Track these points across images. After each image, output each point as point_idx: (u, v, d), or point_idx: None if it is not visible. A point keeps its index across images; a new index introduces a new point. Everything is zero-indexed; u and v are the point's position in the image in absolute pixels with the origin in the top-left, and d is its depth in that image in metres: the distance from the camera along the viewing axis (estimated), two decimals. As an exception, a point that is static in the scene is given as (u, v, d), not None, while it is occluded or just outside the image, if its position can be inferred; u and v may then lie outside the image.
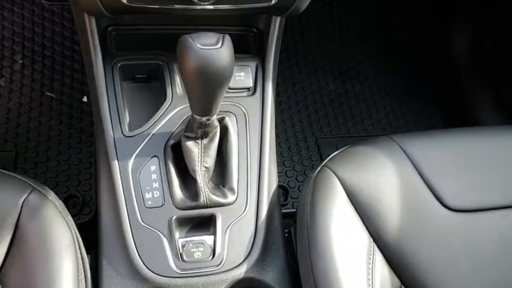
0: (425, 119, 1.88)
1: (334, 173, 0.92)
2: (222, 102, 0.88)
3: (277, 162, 1.22)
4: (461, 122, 1.82)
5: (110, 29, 1.09)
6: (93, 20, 1.02)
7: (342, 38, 1.99)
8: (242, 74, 1.11)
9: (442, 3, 1.91)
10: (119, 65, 1.06)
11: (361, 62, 1.95)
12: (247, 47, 1.17)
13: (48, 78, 1.68)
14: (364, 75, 1.93)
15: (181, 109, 1.04)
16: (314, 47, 1.96)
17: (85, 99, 1.64)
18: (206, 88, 0.82)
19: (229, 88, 1.06)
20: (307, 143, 1.72)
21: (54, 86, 1.67)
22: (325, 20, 2.00)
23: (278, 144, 1.67)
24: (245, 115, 1.07)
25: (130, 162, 0.97)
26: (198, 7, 0.90)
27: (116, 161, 0.97)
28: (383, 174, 0.94)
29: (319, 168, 0.95)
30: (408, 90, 1.92)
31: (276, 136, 1.14)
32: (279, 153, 1.65)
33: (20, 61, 1.70)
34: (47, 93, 1.65)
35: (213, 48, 0.78)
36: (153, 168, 0.97)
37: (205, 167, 0.96)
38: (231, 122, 1.03)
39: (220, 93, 0.84)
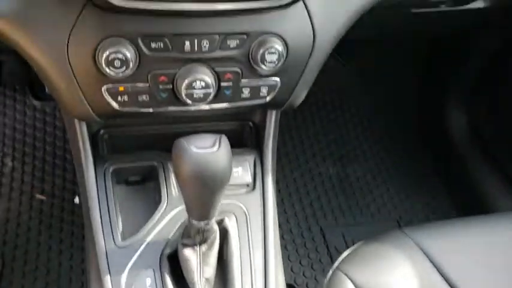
0: (431, 199, 1.82)
1: (349, 277, 0.84)
2: (220, 202, 0.82)
3: (282, 258, 1.14)
4: (469, 204, 1.75)
5: (101, 132, 1.05)
6: (84, 125, 0.98)
7: (339, 120, 1.98)
8: (240, 169, 1.06)
9: (437, 85, 1.92)
10: (111, 169, 1.01)
11: (360, 144, 1.93)
12: (244, 141, 1.13)
13: (39, 179, 1.63)
14: (364, 158, 1.89)
15: (177, 212, 0.97)
16: (310, 132, 1.93)
17: (77, 200, 1.58)
18: (203, 192, 0.77)
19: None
20: (312, 234, 1.63)
21: (45, 188, 1.61)
22: (320, 104, 2.00)
23: (281, 236, 1.59)
24: (246, 214, 1.00)
25: (124, 276, 0.89)
26: (193, 108, 0.87)
27: (108, 276, 0.89)
28: (400, 274, 0.86)
29: (331, 272, 0.87)
30: (410, 171, 1.88)
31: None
32: (283, 247, 1.56)
33: (10, 163, 1.66)
34: (38, 196, 1.59)
35: (210, 151, 0.74)
36: (148, 282, 0.88)
37: (205, 278, 0.88)
38: (230, 224, 0.97)
39: (218, 197, 0.79)
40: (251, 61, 0.84)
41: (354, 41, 1.08)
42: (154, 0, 0.72)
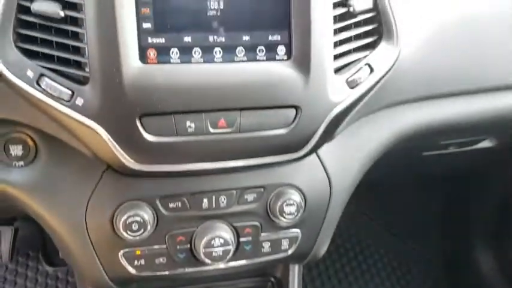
0: None
1: None
2: None
3: None
4: None
5: None
6: (97, 291, 0.93)
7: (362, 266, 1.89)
8: None
9: (460, 219, 1.87)
10: None
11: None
12: (266, 298, 1.06)
13: None
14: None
15: None
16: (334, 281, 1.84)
17: None
18: None
19: None
20: None
21: None
22: (342, 251, 1.93)
23: None
24: None
25: None
26: (211, 267, 0.83)
27: None
28: None
29: None
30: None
31: None
32: None
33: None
34: None
35: None
36: None
37: None
38: None
39: None
40: (270, 214, 0.83)
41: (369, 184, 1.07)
42: (172, 163, 0.73)
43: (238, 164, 0.75)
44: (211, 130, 0.71)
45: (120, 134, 0.68)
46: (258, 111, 0.72)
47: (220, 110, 0.71)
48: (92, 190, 0.76)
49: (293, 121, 0.74)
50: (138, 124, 0.68)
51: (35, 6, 0.65)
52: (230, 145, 0.73)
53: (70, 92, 0.66)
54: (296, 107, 0.73)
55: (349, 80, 0.77)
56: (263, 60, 0.72)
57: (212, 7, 0.70)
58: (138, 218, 0.75)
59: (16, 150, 0.75)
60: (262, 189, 0.82)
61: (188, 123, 0.70)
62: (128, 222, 0.75)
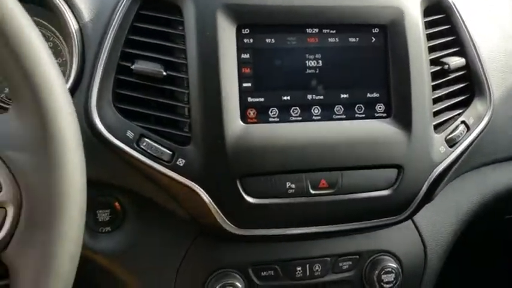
0: None
1: None
2: None
3: None
4: None
5: None
6: None
7: None
8: None
9: None
10: None
11: None
12: None
13: None
14: None
15: None
16: None
17: None
18: None
19: None
20: None
21: None
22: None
23: None
24: None
25: None
26: None
27: None
28: None
29: None
30: None
31: None
32: None
33: None
34: None
35: None
36: None
37: None
38: None
39: None
40: (365, 283, 0.77)
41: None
42: (270, 227, 0.69)
43: (337, 229, 0.71)
44: (312, 191, 0.67)
45: (220, 196, 0.65)
46: (360, 171, 0.69)
47: (321, 170, 0.68)
48: (182, 257, 0.72)
49: (395, 181, 0.70)
50: (239, 185, 0.65)
51: (137, 66, 0.64)
52: (330, 208, 0.69)
53: (170, 153, 0.64)
54: (398, 167, 0.70)
55: (448, 138, 0.74)
56: (362, 118, 0.70)
57: (311, 65, 0.69)
58: None
59: (103, 215, 0.72)
60: (357, 256, 0.76)
61: (288, 184, 0.67)
62: None
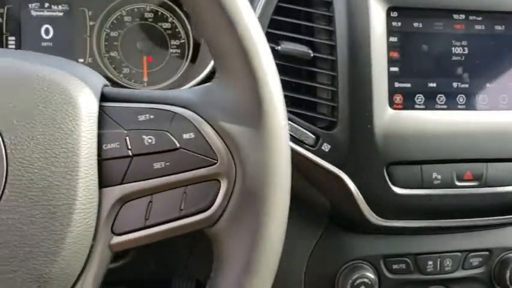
0: None
1: None
2: None
3: None
4: None
5: None
6: None
7: None
8: None
9: None
10: None
11: None
12: None
13: None
14: None
15: None
16: None
17: None
18: None
19: None
20: None
21: None
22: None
23: None
24: None
25: None
26: None
27: None
28: None
29: None
30: None
31: None
32: None
33: None
34: None
35: None
36: None
37: None
38: None
39: None
40: (494, 282, 0.74)
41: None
42: (411, 218, 0.66)
43: (477, 223, 0.68)
44: (457, 183, 0.65)
45: (366, 184, 0.63)
46: (505, 163, 0.66)
47: (466, 161, 0.65)
48: (312, 248, 0.70)
49: None
50: (385, 174, 0.62)
51: (284, 47, 0.62)
52: (473, 200, 0.66)
53: (314, 137, 0.62)
54: None
55: None
56: (506, 109, 0.67)
57: (457, 52, 0.66)
58: (366, 280, 0.68)
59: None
60: (488, 253, 0.73)
61: (435, 174, 0.64)
62: (355, 284, 0.67)
